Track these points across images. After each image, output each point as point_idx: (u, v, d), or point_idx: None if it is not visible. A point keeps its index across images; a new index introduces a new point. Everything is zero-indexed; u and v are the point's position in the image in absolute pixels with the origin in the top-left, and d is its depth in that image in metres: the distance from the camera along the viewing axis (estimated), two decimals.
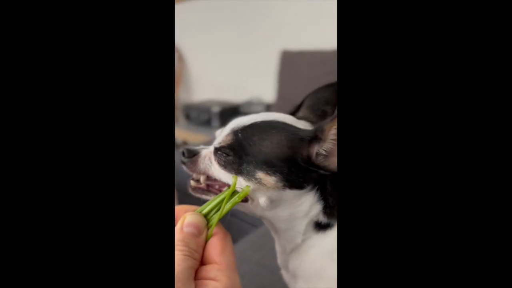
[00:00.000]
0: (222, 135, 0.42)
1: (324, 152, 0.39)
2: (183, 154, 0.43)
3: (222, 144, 0.41)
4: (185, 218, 0.34)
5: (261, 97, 2.32)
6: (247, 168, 0.39)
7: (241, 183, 0.39)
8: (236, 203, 0.37)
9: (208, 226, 0.35)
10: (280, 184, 0.39)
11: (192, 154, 0.43)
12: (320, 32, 1.98)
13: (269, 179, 0.38)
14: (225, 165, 0.40)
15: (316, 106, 0.48)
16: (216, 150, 0.41)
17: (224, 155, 0.40)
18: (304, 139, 0.39)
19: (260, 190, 0.39)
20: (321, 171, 0.39)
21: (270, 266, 0.74)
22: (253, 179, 0.39)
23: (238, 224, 1.11)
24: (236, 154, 0.39)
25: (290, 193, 0.40)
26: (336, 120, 0.37)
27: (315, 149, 0.39)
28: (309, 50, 1.83)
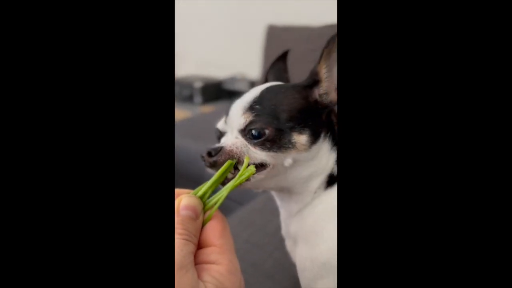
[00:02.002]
0: (236, 118, 0.41)
1: (324, 91, 0.42)
2: (210, 154, 0.39)
3: (247, 123, 0.39)
4: (181, 200, 0.33)
5: (245, 73, 2.27)
6: (284, 135, 0.39)
7: (284, 156, 0.39)
8: (240, 183, 0.36)
9: (205, 209, 0.34)
10: (309, 143, 0.40)
11: (219, 150, 0.40)
12: (307, 8, 1.93)
13: (302, 138, 0.39)
14: (265, 144, 0.39)
15: (279, 76, 0.52)
16: (246, 131, 0.39)
17: (259, 132, 0.38)
18: (307, 86, 0.43)
19: (288, 153, 0.39)
20: (328, 108, 0.43)
21: (260, 243, 0.75)
22: (290, 145, 0.39)
23: (223, 202, 1.11)
24: (269, 126, 0.38)
25: (314, 150, 0.41)
26: (322, 59, 0.42)
27: (317, 91, 0.43)
28: (295, 26, 1.79)
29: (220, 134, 0.44)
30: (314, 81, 0.43)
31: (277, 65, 0.54)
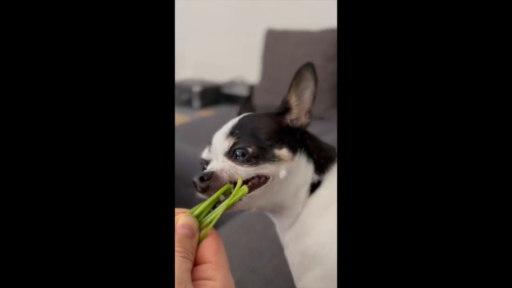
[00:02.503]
0: (220, 144, 0.45)
1: (294, 117, 0.49)
2: (202, 179, 0.42)
3: (231, 145, 0.43)
4: (179, 219, 0.35)
5: (244, 77, 2.28)
6: (266, 152, 0.43)
7: (274, 167, 0.43)
8: (233, 203, 0.38)
9: (200, 227, 0.36)
10: (291, 154, 0.45)
11: (209, 176, 0.42)
12: (306, 12, 1.94)
13: (283, 152, 0.44)
14: (251, 160, 0.43)
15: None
16: (229, 154, 0.43)
17: (243, 152, 0.43)
18: (279, 113, 0.49)
19: (279, 166, 0.44)
20: (300, 130, 0.49)
21: (259, 248, 0.74)
22: (275, 159, 0.43)
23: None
24: (251, 146, 0.43)
25: (296, 161, 0.46)
26: (292, 89, 0.48)
27: (288, 117, 0.49)
28: (294, 30, 1.80)
29: (206, 163, 0.47)
30: (285, 109, 0.49)
31: (245, 104, 0.61)
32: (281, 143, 0.44)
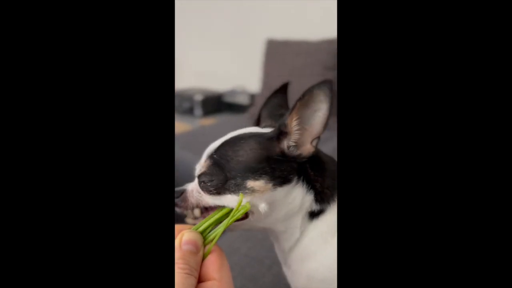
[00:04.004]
0: (200, 164, 0.43)
1: (293, 143, 0.41)
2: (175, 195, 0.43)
3: (202, 170, 0.42)
4: (183, 235, 0.34)
5: (245, 86, 2.30)
6: (235, 183, 0.40)
7: (235, 199, 0.40)
8: (235, 220, 0.38)
9: (204, 243, 0.36)
10: (270, 185, 0.40)
11: (180, 193, 0.43)
12: (306, 22, 1.97)
13: (259, 183, 0.40)
14: (212, 190, 0.41)
15: (273, 113, 0.51)
16: (199, 179, 0.42)
17: (208, 181, 0.41)
18: (272, 137, 0.42)
19: (256, 198, 0.40)
20: (298, 160, 0.42)
21: (259, 257, 0.74)
22: (246, 190, 0.40)
23: None
24: (218, 175, 0.40)
25: (282, 191, 0.41)
26: (295, 111, 0.40)
27: (285, 143, 0.41)
28: (294, 40, 1.82)
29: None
30: (281, 133, 0.41)
31: (275, 98, 0.53)
32: (260, 173, 0.39)
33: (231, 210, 0.39)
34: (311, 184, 0.42)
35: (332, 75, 1.66)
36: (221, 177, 0.40)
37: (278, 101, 0.53)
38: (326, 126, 0.40)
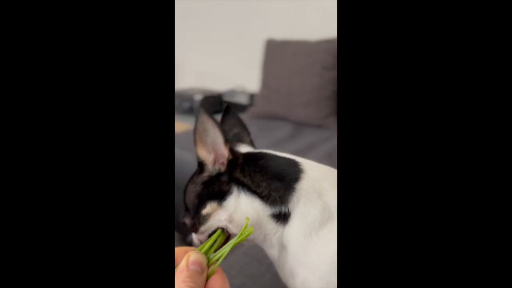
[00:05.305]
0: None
1: (211, 166, 0.45)
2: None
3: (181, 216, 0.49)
4: (189, 256, 0.37)
5: (244, 86, 2.30)
6: (198, 216, 0.46)
7: (208, 228, 0.46)
8: (239, 242, 0.40)
9: (208, 264, 0.38)
10: (215, 204, 0.45)
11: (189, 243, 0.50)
12: (305, 22, 1.97)
13: (207, 210, 0.45)
14: (193, 230, 0.47)
15: (229, 133, 0.55)
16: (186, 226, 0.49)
17: (189, 225, 0.48)
18: (198, 173, 0.47)
19: (216, 220, 0.45)
20: (224, 173, 0.45)
21: (258, 255, 0.75)
22: (206, 218, 0.45)
23: None
24: (189, 219, 0.47)
25: (229, 204, 0.44)
26: (197, 143, 0.44)
27: (207, 171, 0.46)
28: (294, 40, 1.83)
29: None
30: (201, 166, 0.46)
31: (227, 119, 0.57)
32: (204, 200, 0.45)
33: (222, 231, 0.44)
34: (250, 190, 0.44)
35: (330, 74, 1.66)
36: (188, 219, 0.47)
37: (232, 121, 0.57)
38: (224, 134, 0.44)
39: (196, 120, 0.43)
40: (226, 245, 0.39)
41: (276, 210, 0.43)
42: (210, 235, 0.46)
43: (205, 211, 0.45)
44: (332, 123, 1.66)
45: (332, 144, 1.40)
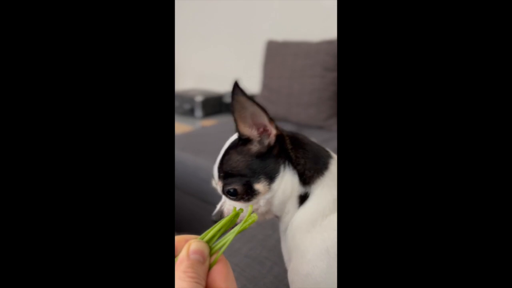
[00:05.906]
0: (216, 183, 0.49)
1: (258, 138, 0.46)
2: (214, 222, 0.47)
3: (222, 187, 0.47)
4: (190, 245, 0.35)
5: (245, 87, 2.30)
6: (249, 187, 0.45)
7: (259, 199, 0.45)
8: (243, 229, 0.38)
9: (210, 253, 0.36)
10: (267, 187, 0.45)
11: (220, 215, 0.49)
12: (306, 23, 1.97)
13: (260, 186, 0.45)
14: (244, 197, 0.46)
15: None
16: (224, 192, 0.47)
17: (232, 189, 0.46)
18: (241, 144, 0.47)
19: (258, 199, 0.46)
20: (274, 147, 0.46)
21: (260, 258, 0.74)
22: (256, 192, 0.45)
23: None
24: (236, 180, 0.45)
25: (275, 185, 0.46)
26: (238, 122, 0.44)
27: (254, 145, 0.46)
28: (294, 41, 1.82)
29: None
30: (244, 140, 0.46)
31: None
32: (257, 175, 0.45)
33: (233, 217, 0.40)
34: (294, 165, 0.46)
35: (331, 75, 1.66)
36: (238, 180, 0.45)
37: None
38: (264, 109, 0.44)
39: (232, 100, 0.43)
40: (230, 232, 0.37)
41: (303, 191, 0.46)
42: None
43: (257, 186, 0.45)
44: (334, 124, 1.66)
45: (333, 145, 1.39)
